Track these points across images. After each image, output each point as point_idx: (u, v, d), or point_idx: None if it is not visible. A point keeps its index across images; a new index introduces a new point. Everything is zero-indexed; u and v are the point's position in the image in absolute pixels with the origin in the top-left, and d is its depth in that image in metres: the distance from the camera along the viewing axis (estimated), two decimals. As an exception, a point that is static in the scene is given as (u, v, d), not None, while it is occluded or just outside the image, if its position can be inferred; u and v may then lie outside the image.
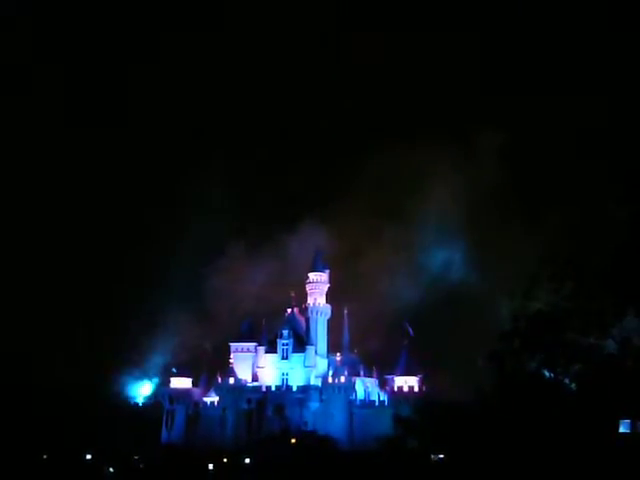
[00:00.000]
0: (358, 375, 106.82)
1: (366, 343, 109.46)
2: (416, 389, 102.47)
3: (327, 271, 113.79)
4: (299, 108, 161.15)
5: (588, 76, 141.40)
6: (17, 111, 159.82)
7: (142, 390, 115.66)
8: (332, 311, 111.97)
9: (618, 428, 35.35)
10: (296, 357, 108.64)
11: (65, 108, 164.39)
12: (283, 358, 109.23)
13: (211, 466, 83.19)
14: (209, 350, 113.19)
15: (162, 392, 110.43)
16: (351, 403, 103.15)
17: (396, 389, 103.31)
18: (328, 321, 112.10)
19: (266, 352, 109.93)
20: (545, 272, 35.73)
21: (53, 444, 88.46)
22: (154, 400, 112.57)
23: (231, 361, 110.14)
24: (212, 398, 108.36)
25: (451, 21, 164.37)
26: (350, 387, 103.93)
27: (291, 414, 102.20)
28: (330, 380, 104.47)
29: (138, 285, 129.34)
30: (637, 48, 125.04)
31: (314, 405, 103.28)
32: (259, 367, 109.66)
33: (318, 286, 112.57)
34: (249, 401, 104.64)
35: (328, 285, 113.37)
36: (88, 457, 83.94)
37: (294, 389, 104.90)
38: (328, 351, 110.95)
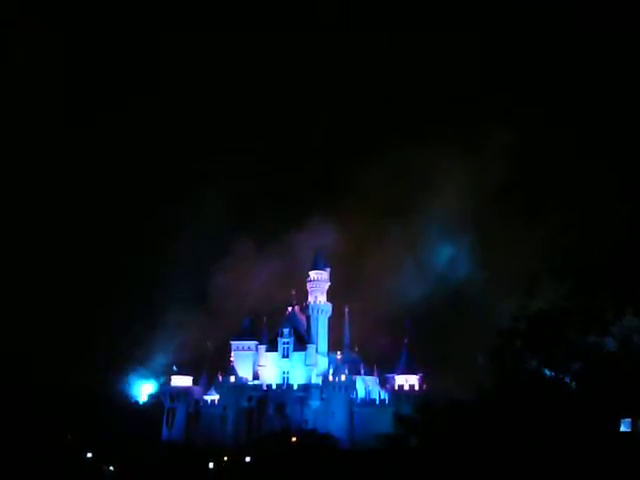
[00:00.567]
0: (359, 374, 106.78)
1: (369, 341, 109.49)
2: (417, 388, 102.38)
3: (328, 269, 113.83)
4: (306, 106, 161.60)
5: (591, 76, 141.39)
6: (16, 111, 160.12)
7: (144, 389, 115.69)
8: (333, 309, 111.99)
9: (619, 427, 35.25)
10: (297, 355, 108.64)
11: (65, 107, 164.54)
12: (284, 356, 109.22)
13: (212, 464, 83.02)
14: (210, 348, 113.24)
15: (163, 390, 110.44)
16: (352, 402, 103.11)
17: (397, 388, 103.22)
18: (329, 319, 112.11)
19: (267, 350, 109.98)
20: (545, 270, 35.63)
21: (53, 443, 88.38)
22: (155, 398, 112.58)
23: (232, 359, 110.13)
24: (213, 396, 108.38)
25: (459, 20, 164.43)
26: (351, 386, 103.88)
27: (292, 412, 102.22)
28: (331, 379, 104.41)
29: (140, 284, 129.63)
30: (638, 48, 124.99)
31: (315, 403, 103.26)
32: (260, 365, 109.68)
33: (319, 284, 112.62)
34: (250, 399, 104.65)
35: (329, 283, 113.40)
36: (89, 456, 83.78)
37: (295, 387, 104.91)
38: (329, 349, 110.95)
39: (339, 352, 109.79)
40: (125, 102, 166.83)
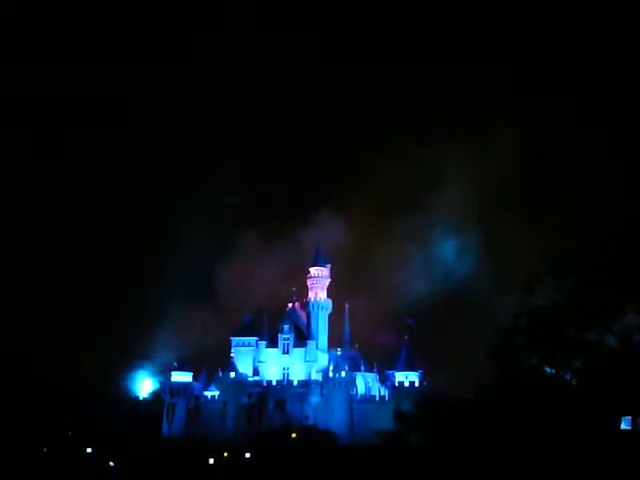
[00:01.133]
0: (359, 370, 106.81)
1: (369, 338, 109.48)
2: (417, 384, 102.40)
3: (328, 266, 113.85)
4: (315, 102, 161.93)
5: (594, 74, 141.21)
6: (16, 110, 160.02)
7: (144, 385, 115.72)
8: (333, 306, 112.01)
9: (619, 425, 35.19)
10: (297, 352, 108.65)
11: (66, 108, 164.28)
12: (284, 353, 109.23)
13: (212, 460, 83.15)
14: (210, 344, 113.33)
15: (163, 386, 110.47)
16: (352, 398, 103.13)
17: (397, 384, 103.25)
18: (329, 316, 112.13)
19: (267, 347, 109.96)
20: (546, 268, 35.59)
21: (53, 438, 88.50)
22: (155, 394, 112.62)
23: (232, 355, 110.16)
24: (213, 392, 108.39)
25: (466, 19, 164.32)
26: (351, 382, 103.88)
27: (292, 409, 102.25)
28: (331, 375, 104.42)
29: (143, 280, 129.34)
30: None
31: (315, 400, 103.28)
32: (260, 362, 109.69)
33: (319, 281, 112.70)
34: (250, 395, 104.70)
35: (329, 280, 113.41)
36: (88, 451, 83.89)
37: (295, 384, 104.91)
38: (329, 346, 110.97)
39: (339, 348, 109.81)
40: (126, 95, 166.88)
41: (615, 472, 33.13)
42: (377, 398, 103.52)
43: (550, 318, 35.40)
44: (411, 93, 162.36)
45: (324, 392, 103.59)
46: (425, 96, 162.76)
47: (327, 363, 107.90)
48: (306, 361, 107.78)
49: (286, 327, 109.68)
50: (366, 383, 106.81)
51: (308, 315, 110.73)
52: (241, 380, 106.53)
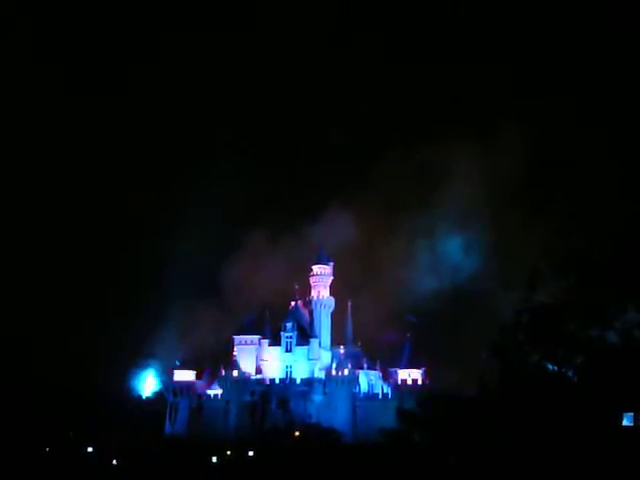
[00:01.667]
0: (362, 368, 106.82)
1: (376, 335, 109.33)
2: (420, 382, 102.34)
3: (331, 264, 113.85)
4: (322, 100, 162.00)
5: (602, 76, 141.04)
6: (15, 110, 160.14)
7: (147, 384, 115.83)
8: (336, 304, 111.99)
9: (621, 421, 35.09)
10: (300, 350, 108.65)
11: (64, 103, 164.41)
12: (287, 351, 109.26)
13: (214, 459, 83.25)
14: (213, 343, 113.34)
15: (166, 385, 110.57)
16: (355, 396, 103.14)
17: (400, 382, 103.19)
18: (332, 314, 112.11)
19: (270, 345, 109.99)
20: (547, 264, 35.49)
21: (56, 437, 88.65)
22: (158, 393, 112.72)
23: (235, 354, 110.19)
24: (216, 391, 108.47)
25: (475, 16, 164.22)
26: (354, 380, 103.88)
27: (295, 407, 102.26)
28: (334, 373, 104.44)
29: (146, 278, 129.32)
30: None
31: (318, 398, 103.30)
32: (263, 360, 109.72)
33: (322, 279, 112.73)
34: (253, 394, 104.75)
35: (332, 278, 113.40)
36: (90, 450, 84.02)
37: (298, 382, 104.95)
38: (332, 344, 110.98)
39: (342, 346, 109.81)
40: (126, 91, 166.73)
41: (617, 469, 33.06)
42: (380, 396, 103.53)
43: (552, 315, 35.31)
44: (419, 92, 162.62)
45: (327, 390, 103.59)
46: (432, 95, 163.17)
47: (330, 361, 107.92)
48: (309, 359, 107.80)
49: (289, 325, 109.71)
50: (369, 381, 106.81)
51: (311, 313, 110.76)
52: (244, 378, 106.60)
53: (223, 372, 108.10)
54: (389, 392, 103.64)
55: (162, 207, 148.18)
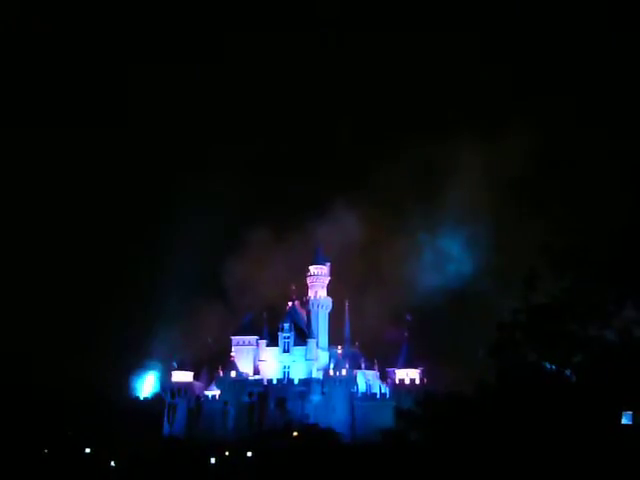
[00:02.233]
0: (359, 368, 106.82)
1: (377, 335, 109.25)
2: (417, 382, 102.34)
3: (328, 264, 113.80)
4: (327, 101, 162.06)
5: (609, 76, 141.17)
6: (14, 110, 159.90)
7: (145, 385, 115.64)
8: (333, 304, 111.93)
9: (620, 420, 35.05)
10: (297, 350, 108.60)
11: (64, 108, 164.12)
12: (284, 351, 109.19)
13: (213, 460, 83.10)
14: (211, 343, 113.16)
15: (164, 386, 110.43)
16: (353, 396, 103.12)
17: (397, 382, 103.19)
18: (329, 314, 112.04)
19: (267, 345, 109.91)
20: (545, 262, 35.45)
21: (54, 438, 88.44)
22: (156, 394, 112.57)
23: (232, 354, 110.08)
24: (214, 392, 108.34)
25: (483, 15, 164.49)
26: (351, 380, 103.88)
27: (293, 407, 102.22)
28: (331, 373, 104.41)
29: (144, 279, 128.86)
30: None
31: (316, 398, 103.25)
32: (260, 360, 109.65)
33: (319, 279, 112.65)
34: (250, 394, 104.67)
35: (329, 278, 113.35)
36: (88, 451, 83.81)
37: (295, 382, 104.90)
38: (329, 344, 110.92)
39: (340, 347, 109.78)
40: (128, 92, 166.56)
41: (616, 467, 33.02)
42: (378, 396, 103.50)
43: (550, 313, 35.29)
44: (425, 90, 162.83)
45: (325, 390, 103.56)
46: (438, 93, 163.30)
47: (328, 361, 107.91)
48: (307, 359, 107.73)
49: (286, 326, 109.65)
50: (367, 381, 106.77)
51: (308, 313, 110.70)
52: (242, 379, 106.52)
53: (221, 373, 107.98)
54: (387, 392, 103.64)
55: (162, 206, 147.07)
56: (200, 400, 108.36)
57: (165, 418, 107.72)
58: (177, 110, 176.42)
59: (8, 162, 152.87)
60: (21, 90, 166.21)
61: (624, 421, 34.84)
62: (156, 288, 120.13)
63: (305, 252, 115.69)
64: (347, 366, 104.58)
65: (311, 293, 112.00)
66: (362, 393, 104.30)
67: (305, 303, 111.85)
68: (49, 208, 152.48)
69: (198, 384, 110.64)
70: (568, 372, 36.14)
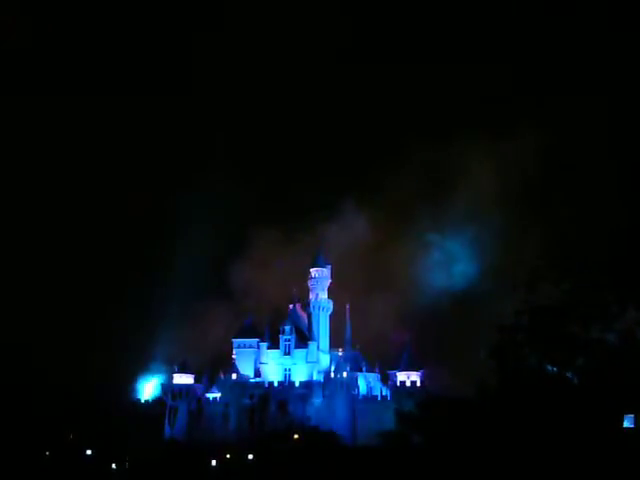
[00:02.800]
0: (360, 370, 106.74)
1: (381, 335, 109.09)
2: (418, 384, 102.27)
3: (329, 267, 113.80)
4: (331, 103, 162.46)
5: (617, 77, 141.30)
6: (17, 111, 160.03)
7: (146, 387, 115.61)
8: (334, 306, 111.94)
9: (622, 423, 35.03)
10: (298, 353, 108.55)
11: (66, 109, 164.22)
12: (285, 354, 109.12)
13: (214, 462, 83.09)
14: (212, 346, 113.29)
15: (165, 389, 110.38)
16: (353, 398, 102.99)
17: (398, 384, 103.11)
18: (330, 316, 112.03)
19: (268, 348, 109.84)
20: (546, 265, 35.46)
21: (56, 440, 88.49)
22: (157, 397, 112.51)
23: (233, 357, 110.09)
24: (215, 394, 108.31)
25: (489, 20, 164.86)
26: (352, 382, 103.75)
27: (294, 410, 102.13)
28: (332, 375, 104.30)
29: (148, 281, 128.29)
30: None
31: (317, 401, 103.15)
32: (262, 363, 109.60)
33: (320, 282, 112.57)
34: (252, 397, 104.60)
35: (330, 281, 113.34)
36: (88, 453, 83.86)
37: (297, 385, 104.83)
38: (330, 347, 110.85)
39: (341, 349, 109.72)
40: (133, 94, 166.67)
41: (618, 470, 33.01)
42: (379, 398, 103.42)
43: (551, 316, 35.28)
44: (431, 94, 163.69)
45: (326, 393, 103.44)
46: (444, 97, 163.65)
47: (328, 364, 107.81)
48: (307, 362, 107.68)
49: (287, 328, 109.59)
50: (368, 383, 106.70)
51: (309, 316, 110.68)
52: (243, 382, 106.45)
53: (222, 375, 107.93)
54: (388, 394, 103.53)
55: (166, 208, 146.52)
56: (201, 403, 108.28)
57: (166, 421, 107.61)
58: (184, 110, 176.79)
59: (11, 162, 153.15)
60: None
61: (626, 424, 34.85)
62: (161, 291, 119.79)
63: (311, 254, 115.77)
64: (348, 369, 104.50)
65: (312, 295, 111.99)
66: (363, 395, 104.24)
67: (306, 306, 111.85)
68: (59, 210, 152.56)
69: (199, 387, 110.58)
70: (570, 375, 36.14)
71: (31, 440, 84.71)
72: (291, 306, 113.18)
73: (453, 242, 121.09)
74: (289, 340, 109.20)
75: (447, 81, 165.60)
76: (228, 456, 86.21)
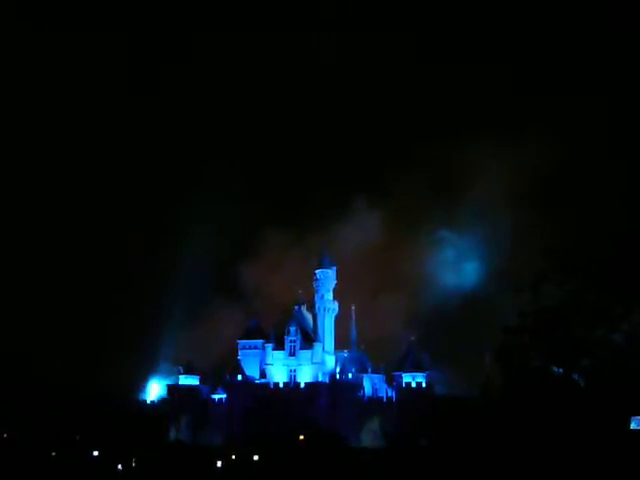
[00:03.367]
0: (366, 372, 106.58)
1: (385, 337, 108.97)
2: (424, 385, 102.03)
3: (334, 267, 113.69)
4: (349, 102, 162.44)
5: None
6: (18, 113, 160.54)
7: (152, 388, 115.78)
8: (340, 307, 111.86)
9: (629, 425, 34.87)
10: (303, 354, 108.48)
11: (68, 111, 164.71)
12: (291, 355, 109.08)
13: (219, 463, 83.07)
14: (218, 348, 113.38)
15: (170, 390, 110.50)
16: (359, 400, 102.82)
17: (404, 385, 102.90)
18: (335, 317, 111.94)
19: (273, 349, 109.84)
20: (551, 266, 35.33)
21: (62, 441, 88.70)
22: (162, 398, 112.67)
23: (239, 358, 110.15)
24: (220, 395, 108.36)
25: (500, 19, 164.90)
26: (358, 384, 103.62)
27: (299, 411, 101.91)
28: (338, 377, 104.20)
29: (154, 282, 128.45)
30: None
31: (322, 402, 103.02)
32: (267, 364, 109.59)
33: (325, 283, 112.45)
34: (257, 398, 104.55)
35: (335, 282, 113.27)
36: (95, 454, 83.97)
37: (302, 386, 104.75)
38: (335, 348, 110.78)
39: (346, 350, 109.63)
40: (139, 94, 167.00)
41: (624, 473, 32.86)
42: (384, 400, 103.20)
43: (557, 317, 35.17)
44: (442, 95, 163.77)
45: (331, 394, 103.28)
46: (455, 97, 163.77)
47: (334, 365, 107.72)
48: (313, 363, 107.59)
49: (292, 329, 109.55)
50: (373, 385, 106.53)
51: (314, 317, 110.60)
52: (248, 383, 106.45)
53: (227, 377, 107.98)
54: (393, 396, 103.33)
55: (175, 208, 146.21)
56: (206, 404, 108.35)
57: (172, 422, 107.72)
58: (194, 108, 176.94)
59: (11, 167, 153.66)
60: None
61: (633, 426, 34.68)
62: (169, 292, 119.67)
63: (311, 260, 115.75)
64: (353, 370, 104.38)
65: (317, 297, 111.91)
66: (368, 397, 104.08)
67: (311, 306, 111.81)
68: (66, 208, 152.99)
69: (204, 388, 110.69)
70: (575, 376, 36.01)
71: (37, 441, 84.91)
72: (296, 307, 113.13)
73: (461, 243, 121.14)
74: (294, 341, 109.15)
75: (458, 82, 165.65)
76: (233, 457, 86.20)
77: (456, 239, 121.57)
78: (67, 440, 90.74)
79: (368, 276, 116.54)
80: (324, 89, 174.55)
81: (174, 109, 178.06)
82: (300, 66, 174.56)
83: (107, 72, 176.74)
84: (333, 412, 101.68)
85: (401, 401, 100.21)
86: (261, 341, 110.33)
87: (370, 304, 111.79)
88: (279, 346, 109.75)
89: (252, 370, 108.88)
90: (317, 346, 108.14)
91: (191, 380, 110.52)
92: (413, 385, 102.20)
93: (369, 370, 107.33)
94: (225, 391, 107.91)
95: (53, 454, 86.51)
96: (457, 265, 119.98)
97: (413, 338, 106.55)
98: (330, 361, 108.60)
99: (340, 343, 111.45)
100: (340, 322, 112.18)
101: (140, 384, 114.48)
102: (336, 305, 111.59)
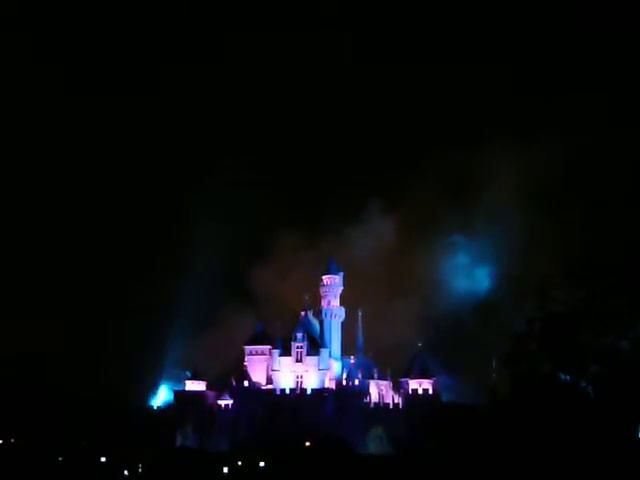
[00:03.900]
0: (372, 378, 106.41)
1: (393, 344, 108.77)
2: (430, 392, 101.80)
3: (341, 274, 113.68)
4: (361, 107, 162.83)
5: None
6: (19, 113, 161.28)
7: (159, 394, 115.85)
8: (346, 313, 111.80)
9: (636, 432, 34.76)
10: (310, 360, 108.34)
11: (70, 112, 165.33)
12: (297, 361, 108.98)
13: (226, 469, 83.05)
14: (224, 353, 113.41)
15: (177, 395, 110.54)
16: (365, 406, 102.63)
17: (410, 392, 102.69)
18: (342, 323, 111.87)
19: (280, 355, 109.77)
20: (560, 272, 35.32)
21: (69, 447, 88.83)
22: (169, 403, 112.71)
23: (245, 364, 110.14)
24: (226, 401, 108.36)
25: (519, 25, 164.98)
26: (364, 390, 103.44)
27: (305, 417, 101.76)
28: (344, 383, 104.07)
29: (160, 286, 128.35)
30: None
31: (328, 408, 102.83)
32: (273, 370, 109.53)
33: (332, 289, 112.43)
34: (263, 404, 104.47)
35: (342, 288, 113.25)
36: (103, 460, 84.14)
37: (308, 392, 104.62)
38: (342, 354, 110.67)
39: (352, 356, 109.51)
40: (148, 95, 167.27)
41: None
42: (391, 406, 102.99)
43: (565, 324, 35.12)
44: (456, 99, 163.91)
45: (338, 400, 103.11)
46: (468, 102, 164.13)
47: (340, 371, 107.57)
48: (319, 369, 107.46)
49: (299, 335, 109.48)
50: (379, 391, 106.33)
51: (321, 323, 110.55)
52: (254, 389, 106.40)
53: (234, 382, 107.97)
54: (400, 402, 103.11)
55: (184, 212, 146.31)
56: (213, 409, 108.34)
57: (178, 427, 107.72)
58: (210, 109, 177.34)
59: (16, 169, 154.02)
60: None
61: (640, 433, 34.59)
62: (178, 297, 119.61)
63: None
64: (360, 376, 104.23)
65: (324, 302, 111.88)
66: (375, 403, 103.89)
67: (318, 312, 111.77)
68: (77, 214, 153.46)
69: (211, 393, 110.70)
70: (583, 383, 35.92)
71: (44, 446, 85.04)
72: (303, 313, 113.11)
73: (474, 247, 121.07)
74: (301, 347, 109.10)
75: (471, 87, 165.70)
76: (239, 463, 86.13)
77: (469, 244, 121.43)
78: (74, 445, 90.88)
79: (380, 281, 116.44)
80: (339, 93, 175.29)
81: (188, 109, 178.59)
82: (317, 70, 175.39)
83: (107, 72, 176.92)
84: (339, 418, 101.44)
85: (407, 408, 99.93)
86: (268, 347, 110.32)
87: (382, 309, 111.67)
88: (286, 352, 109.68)
89: (259, 376, 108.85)
90: (324, 352, 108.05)
91: (197, 386, 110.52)
92: (420, 391, 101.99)
93: (376, 376, 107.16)
94: (231, 397, 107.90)
95: (60, 459, 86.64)
96: (469, 270, 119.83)
97: (420, 344, 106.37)
98: (337, 367, 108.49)
99: (348, 349, 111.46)
100: (348, 328, 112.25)
101: (149, 389, 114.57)
102: (342, 311, 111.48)
